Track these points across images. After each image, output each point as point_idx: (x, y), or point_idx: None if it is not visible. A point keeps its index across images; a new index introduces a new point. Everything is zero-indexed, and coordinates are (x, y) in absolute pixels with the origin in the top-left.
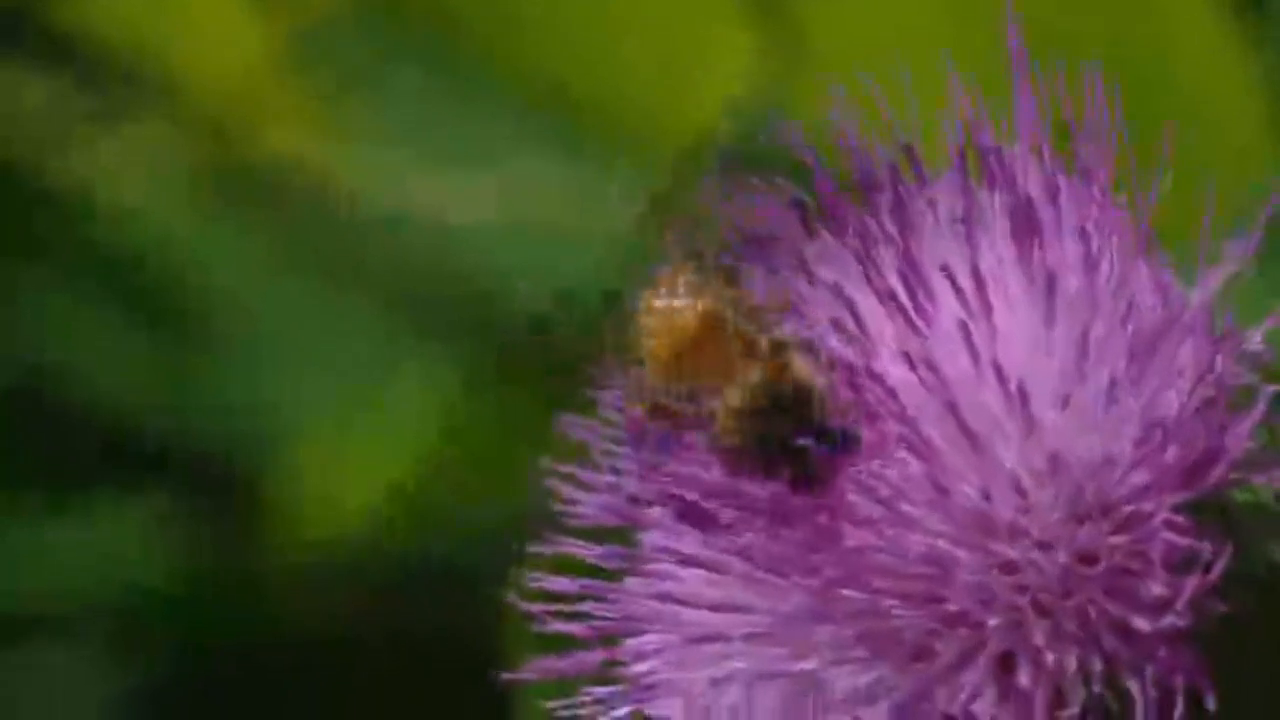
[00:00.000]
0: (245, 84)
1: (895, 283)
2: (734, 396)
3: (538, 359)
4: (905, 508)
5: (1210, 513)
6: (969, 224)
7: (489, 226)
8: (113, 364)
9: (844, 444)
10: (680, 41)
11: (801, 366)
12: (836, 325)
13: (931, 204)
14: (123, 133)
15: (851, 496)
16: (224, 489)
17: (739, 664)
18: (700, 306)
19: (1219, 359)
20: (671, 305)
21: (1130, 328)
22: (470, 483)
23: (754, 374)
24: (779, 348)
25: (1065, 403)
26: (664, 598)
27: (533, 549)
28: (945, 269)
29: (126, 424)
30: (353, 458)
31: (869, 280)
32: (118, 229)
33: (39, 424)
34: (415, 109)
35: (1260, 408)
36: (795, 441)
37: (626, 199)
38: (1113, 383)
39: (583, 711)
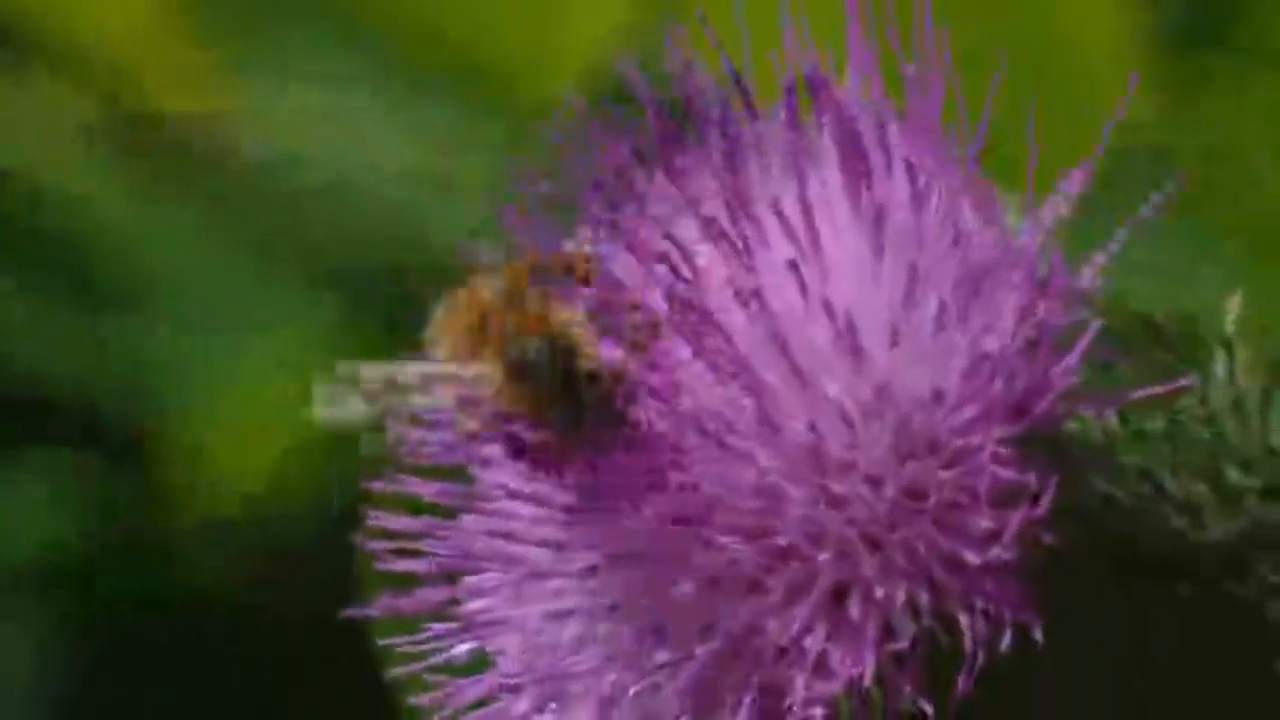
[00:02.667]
0: (139, 45)
1: (723, 219)
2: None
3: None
4: (737, 443)
5: (1040, 446)
6: (797, 159)
7: (394, 185)
8: (21, 327)
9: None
10: None
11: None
12: (670, 265)
13: (761, 140)
14: (18, 95)
15: (685, 433)
16: (132, 451)
17: (572, 600)
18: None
19: (1042, 303)
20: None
21: (957, 260)
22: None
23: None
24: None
25: (894, 335)
26: (496, 534)
27: (375, 487)
28: (775, 205)
29: (37, 387)
30: (256, 419)
31: (698, 218)
32: (26, 192)
33: None
34: (308, 66)
35: (1085, 342)
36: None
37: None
38: (941, 310)
39: (425, 648)
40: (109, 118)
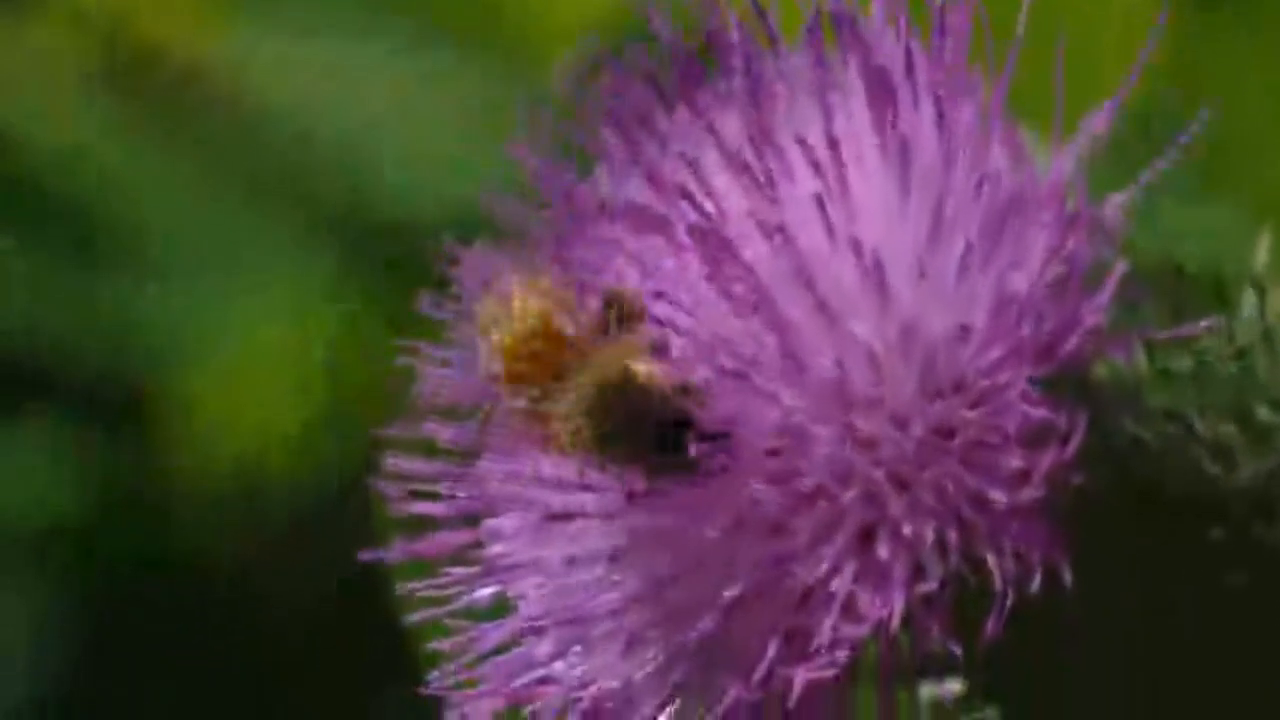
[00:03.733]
0: None
1: (747, 152)
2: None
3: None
4: (761, 381)
5: (1069, 387)
6: (823, 93)
7: (392, 134)
8: (20, 287)
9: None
10: None
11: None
12: (691, 201)
13: (785, 74)
14: (16, 45)
15: (706, 373)
16: (132, 412)
17: (593, 543)
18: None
19: (1070, 238)
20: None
21: (984, 198)
22: (376, 400)
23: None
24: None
25: (920, 273)
26: (512, 477)
27: (390, 431)
28: (799, 137)
29: (37, 348)
30: (255, 376)
31: (721, 150)
32: (23, 145)
33: None
34: (312, 16)
35: (1113, 281)
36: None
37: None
38: (967, 250)
39: (446, 592)
40: (107, 64)
